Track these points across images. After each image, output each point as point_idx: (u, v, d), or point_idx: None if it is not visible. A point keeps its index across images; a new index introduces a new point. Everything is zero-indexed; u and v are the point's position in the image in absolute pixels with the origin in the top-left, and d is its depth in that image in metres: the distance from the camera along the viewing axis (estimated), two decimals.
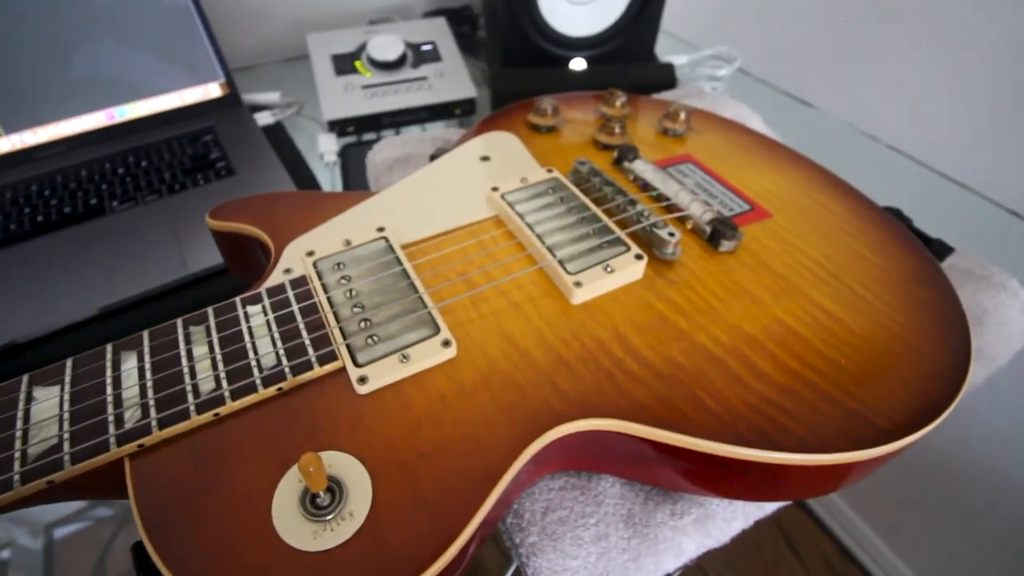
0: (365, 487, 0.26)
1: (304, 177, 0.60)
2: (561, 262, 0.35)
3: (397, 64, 0.69)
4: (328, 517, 0.25)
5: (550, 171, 0.42)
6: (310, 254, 0.35)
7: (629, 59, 0.71)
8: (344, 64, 0.69)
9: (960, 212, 0.65)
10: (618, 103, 0.51)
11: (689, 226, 0.40)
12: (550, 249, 0.35)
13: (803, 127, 0.77)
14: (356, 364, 0.30)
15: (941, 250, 0.44)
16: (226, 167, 0.58)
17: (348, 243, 0.36)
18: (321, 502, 0.26)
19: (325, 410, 0.29)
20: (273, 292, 0.33)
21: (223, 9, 0.75)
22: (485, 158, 0.44)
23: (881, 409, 0.31)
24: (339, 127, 0.66)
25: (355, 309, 0.32)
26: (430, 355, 0.30)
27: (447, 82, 0.69)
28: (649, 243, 0.38)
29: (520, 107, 0.53)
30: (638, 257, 0.35)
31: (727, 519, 0.35)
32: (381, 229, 0.37)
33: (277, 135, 0.66)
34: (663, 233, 0.36)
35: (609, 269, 0.34)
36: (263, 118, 0.67)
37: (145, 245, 0.51)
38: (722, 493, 0.33)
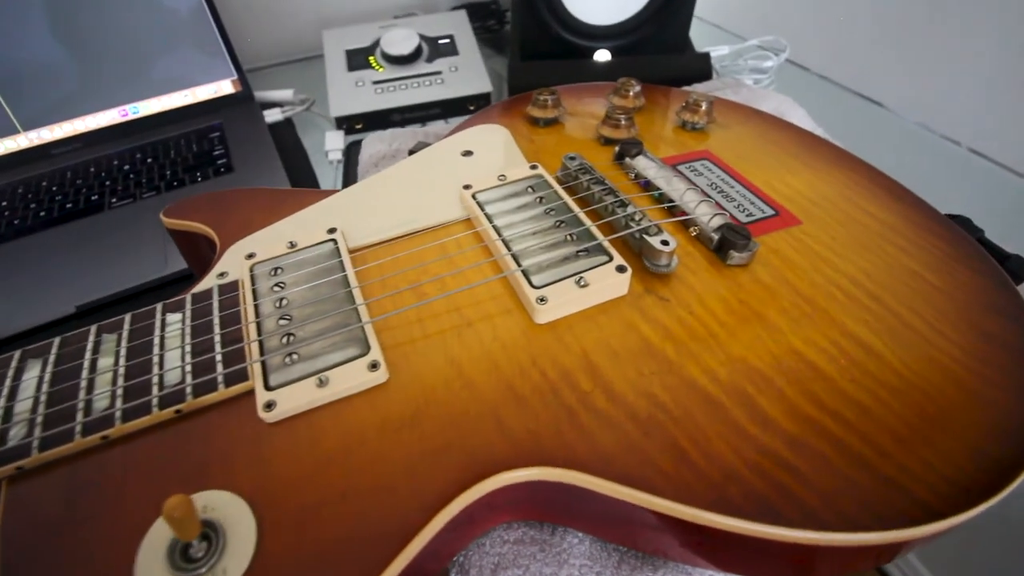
0: (248, 538, 0.21)
1: (303, 175, 0.57)
2: (525, 273, 0.29)
3: (411, 58, 0.65)
4: (200, 571, 0.21)
5: (534, 167, 0.36)
6: (249, 256, 0.31)
7: (660, 50, 0.63)
8: (357, 59, 0.66)
9: None
10: (631, 93, 0.45)
11: (694, 232, 0.33)
12: (515, 257, 0.30)
13: (868, 128, 0.67)
14: (267, 387, 0.25)
15: (1019, 269, 0.35)
16: (226, 164, 0.56)
17: (292, 245, 0.31)
18: (194, 553, 0.21)
19: (223, 439, 0.24)
20: (198, 298, 0.29)
21: (244, 8, 0.73)
22: (467, 153, 0.39)
23: (925, 475, 0.24)
24: (347, 124, 0.62)
25: (281, 322, 0.28)
26: (353, 379, 0.25)
27: (461, 77, 0.65)
28: (640, 252, 0.31)
29: (522, 99, 0.47)
30: (620, 269, 0.29)
31: None
32: (332, 230, 0.32)
33: (285, 132, 0.63)
34: (655, 241, 0.30)
35: (582, 283, 0.28)
36: (272, 115, 0.64)
37: (132, 243, 0.49)
38: (713, 564, 0.26)
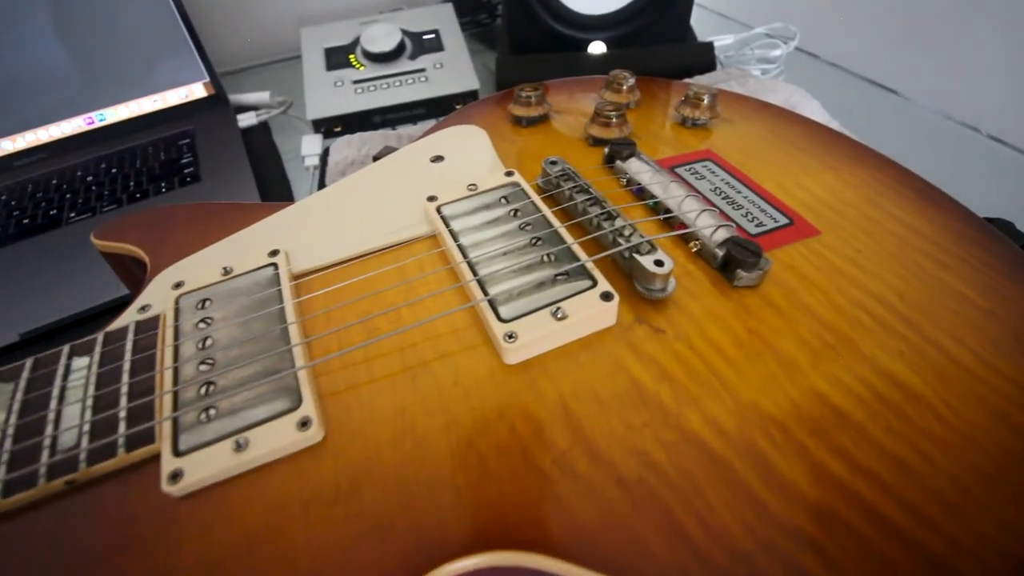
0: None
1: (275, 184, 0.52)
2: (492, 303, 0.24)
3: (393, 55, 0.60)
4: None
5: (510, 174, 0.31)
6: (177, 286, 0.26)
7: (659, 40, 0.58)
8: (337, 58, 0.61)
9: None
10: (624, 87, 0.40)
11: (695, 248, 0.28)
12: (481, 283, 0.25)
13: (883, 118, 0.61)
14: (176, 451, 0.21)
15: None
16: (193, 174, 0.52)
17: (227, 272, 0.27)
18: None
19: (120, 519, 0.20)
20: (111, 338, 0.24)
21: (218, 7, 0.69)
22: (437, 158, 0.34)
23: (980, 552, 0.19)
24: (324, 127, 0.57)
25: (202, 367, 0.23)
26: (278, 440, 0.21)
27: (447, 74, 0.60)
28: (630, 274, 0.26)
29: (505, 97, 0.42)
30: (606, 297, 0.24)
31: None
32: (274, 253, 0.27)
33: (260, 137, 0.59)
34: (647, 261, 0.25)
35: (560, 315, 0.23)
36: (247, 119, 0.60)
37: (86, 261, 0.44)
38: None
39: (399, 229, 0.29)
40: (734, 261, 0.26)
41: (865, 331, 0.25)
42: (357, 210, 0.30)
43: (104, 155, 0.55)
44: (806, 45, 0.68)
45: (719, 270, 0.27)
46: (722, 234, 0.27)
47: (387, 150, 0.35)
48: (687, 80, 0.54)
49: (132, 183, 0.51)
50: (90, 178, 0.53)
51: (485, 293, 0.24)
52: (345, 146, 0.44)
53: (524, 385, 0.23)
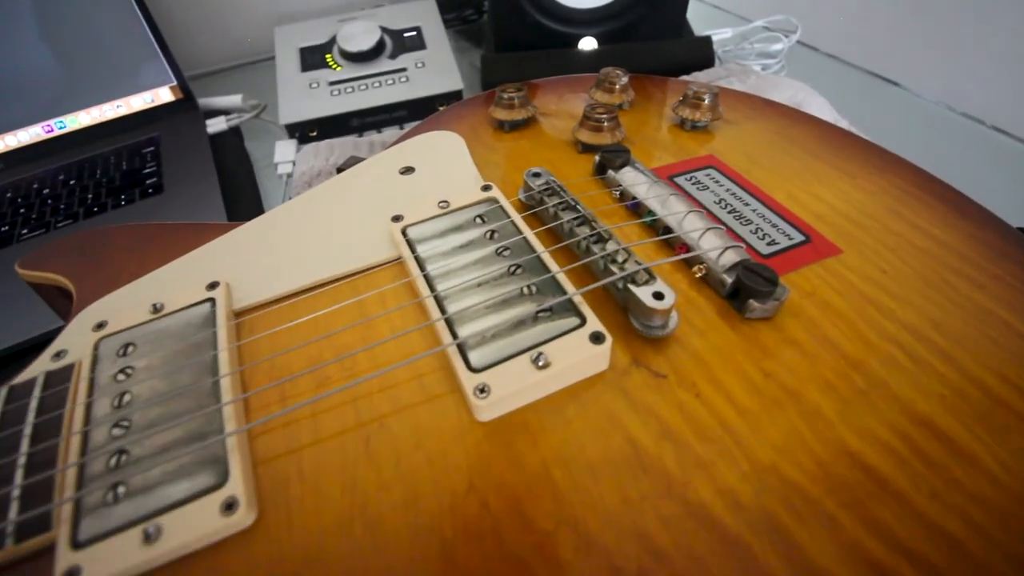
0: None
1: (245, 193, 0.48)
2: (462, 347, 0.20)
3: (371, 55, 0.56)
4: None
5: (487, 189, 0.27)
6: (99, 327, 0.22)
7: (654, 35, 0.54)
8: (313, 58, 0.57)
9: None
10: (617, 87, 0.36)
11: (699, 273, 0.24)
12: (449, 323, 0.21)
13: (887, 112, 0.57)
14: (74, 542, 0.17)
15: None
16: (155, 184, 0.48)
17: (157, 309, 0.23)
18: None
19: None
20: (16, 394, 0.20)
21: (188, 6, 0.64)
22: (407, 170, 0.30)
23: None
24: (299, 131, 0.53)
25: (115, 431, 0.19)
26: (196, 528, 0.17)
27: (429, 73, 0.55)
28: (624, 307, 0.22)
29: (489, 98, 0.38)
30: (596, 338, 0.20)
31: None
32: (213, 285, 0.23)
33: (231, 143, 0.55)
34: (644, 293, 0.21)
35: (542, 362, 0.19)
36: (217, 124, 0.55)
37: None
38: None
39: (361, 255, 0.25)
40: (745, 289, 0.22)
41: (899, 371, 0.21)
42: (313, 232, 0.26)
43: (63, 165, 0.51)
44: (805, 38, 0.64)
45: (728, 299, 0.23)
46: (730, 257, 0.23)
47: (352, 160, 0.31)
48: (685, 78, 0.50)
49: (91, 196, 0.47)
50: (46, 191, 0.49)
51: (454, 336, 0.20)
52: (312, 155, 0.40)
53: (499, 447, 0.19)
